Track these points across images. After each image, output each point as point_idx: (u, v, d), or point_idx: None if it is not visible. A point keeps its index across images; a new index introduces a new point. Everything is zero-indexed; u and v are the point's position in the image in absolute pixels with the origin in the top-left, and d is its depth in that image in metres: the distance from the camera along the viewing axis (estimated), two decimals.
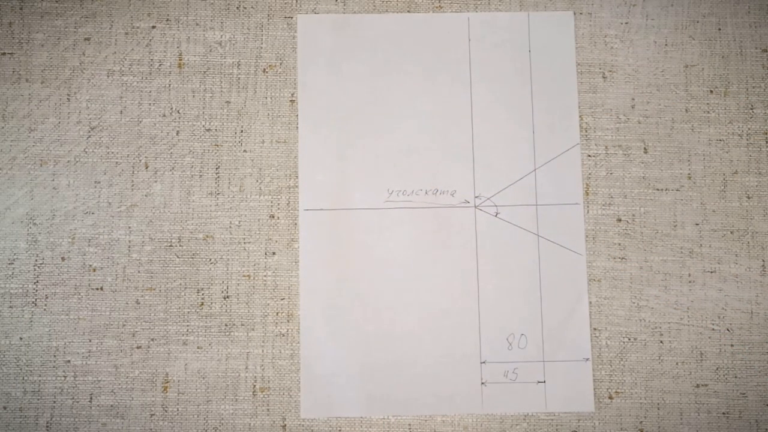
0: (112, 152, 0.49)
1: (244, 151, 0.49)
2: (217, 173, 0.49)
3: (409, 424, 0.47)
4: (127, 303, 0.47)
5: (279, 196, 0.49)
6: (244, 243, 0.48)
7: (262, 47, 0.50)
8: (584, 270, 0.48)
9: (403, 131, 0.49)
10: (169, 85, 0.49)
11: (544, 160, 0.49)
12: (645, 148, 0.49)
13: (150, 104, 0.49)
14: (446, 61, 0.50)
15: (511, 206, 0.49)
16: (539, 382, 0.47)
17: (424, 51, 0.50)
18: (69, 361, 0.47)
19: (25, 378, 0.47)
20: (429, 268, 0.48)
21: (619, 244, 0.48)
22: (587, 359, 0.47)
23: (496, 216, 0.48)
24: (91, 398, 0.47)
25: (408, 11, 0.50)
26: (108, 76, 0.49)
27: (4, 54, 0.49)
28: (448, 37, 0.50)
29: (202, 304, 0.48)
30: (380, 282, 0.48)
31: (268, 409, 0.47)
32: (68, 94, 0.49)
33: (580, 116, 0.49)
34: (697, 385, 0.47)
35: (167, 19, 0.50)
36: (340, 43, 0.50)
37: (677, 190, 0.49)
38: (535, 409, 0.47)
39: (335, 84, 0.49)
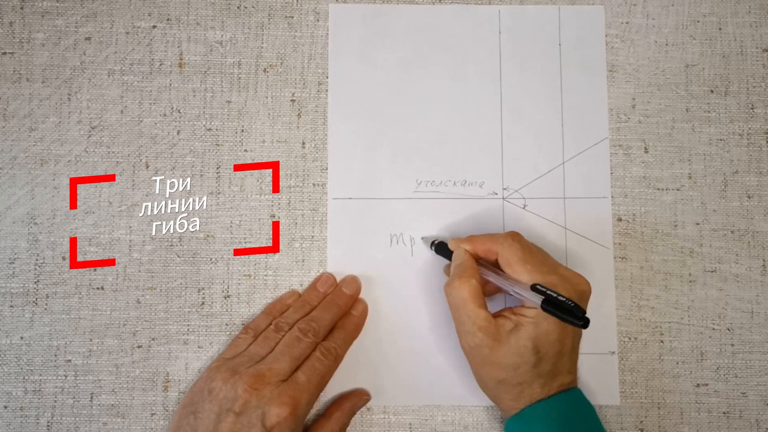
0: (113, 152, 0.49)
1: (245, 150, 0.49)
2: (217, 173, 0.49)
3: (410, 424, 0.47)
4: (127, 302, 0.47)
5: (280, 196, 0.49)
6: (245, 243, 0.48)
7: (262, 47, 0.50)
8: (611, 263, 0.48)
9: (432, 122, 0.49)
10: (170, 84, 0.49)
11: (572, 154, 0.49)
12: (645, 148, 0.49)
13: (151, 104, 0.49)
14: (476, 54, 0.50)
15: (539, 199, 0.49)
16: None
17: (454, 43, 0.50)
18: (70, 360, 0.47)
19: (26, 377, 0.47)
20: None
21: (620, 244, 0.49)
22: (613, 353, 0.47)
23: (523, 208, 0.48)
24: (91, 398, 0.47)
25: (434, 3, 0.50)
26: (109, 76, 0.49)
27: (5, 53, 0.49)
28: (479, 29, 0.50)
29: (203, 303, 0.48)
30: (405, 272, 0.48)
31: None
32: (69, 94, 0.49)
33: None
34: (698, 385, 0.47)
35: (168, 19, 0.50)
36: (371, 34, 0.50)
37: (678, 189, 0.49)
38: None
39: (365, 74, 0.50)
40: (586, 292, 0.42)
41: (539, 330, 0.40)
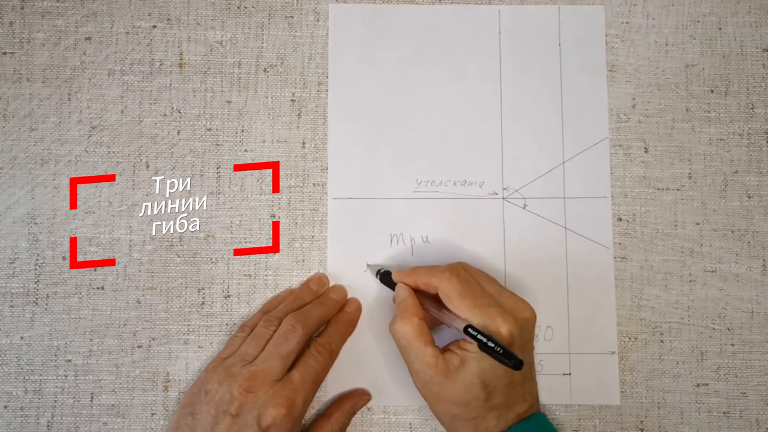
0: (113, 152, 0.49)
1: (245, 150, 0.49)
2: (218, 173, 0.49)
3: (410, 424, 0.47)
4: (128, 302, 0.47)
5: (280, 196, 0.49)
6: (245, 243, 0.48)
7: (262, 47, 0.50)
8: (611, 263, 0.48)
9: (432, 122, 0.49)
10: (170, 84, 0.49)
11: (572, 153, 0.49)
12: (646, 148, 0.49)
13: (151, 104, 0.49)
14: (476, 54, 0.50)
15: (539, 198, 0.49)
16: (565, 374, 0.47)
17: (454, 43, 0.50)
18: (70, 360, 0.47)
19: (26, 377, 0.47)
20: (456, 258, 0.48)
21: (620, 244, 0.49)
22: (613, 352, 0.47)
23: (524, 208, 0.48)
24: (92, 398, 0.47)
25: (434, 3, 0.50)
26: (109, 76, 0.49)
27: (5, 53, 0.49)
28: (479, 29, 0.50)
29: (203, 303, 0.48)
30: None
31: None
32: (69, 94, 0.49)
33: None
34: (698, 385, 0.47)
35: (168, 19, 0.50)
36: (371, 34, 0.50)
37: (678, 189, 0.49)
38: (560, 401, 0.47)
39: (365, 74, 0.50)
40: (529, 320, 0.42)
41: (483, 365, 0.40)
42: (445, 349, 0.42)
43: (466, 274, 0.42)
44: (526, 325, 0.41)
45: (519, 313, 0.41)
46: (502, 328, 0.39)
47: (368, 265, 0.48)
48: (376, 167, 0.49)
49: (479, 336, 0.39)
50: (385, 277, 0.46)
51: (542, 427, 0.42)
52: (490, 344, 0.38)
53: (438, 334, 0.45)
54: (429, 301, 0.43)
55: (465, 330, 0.39)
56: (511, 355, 0.37)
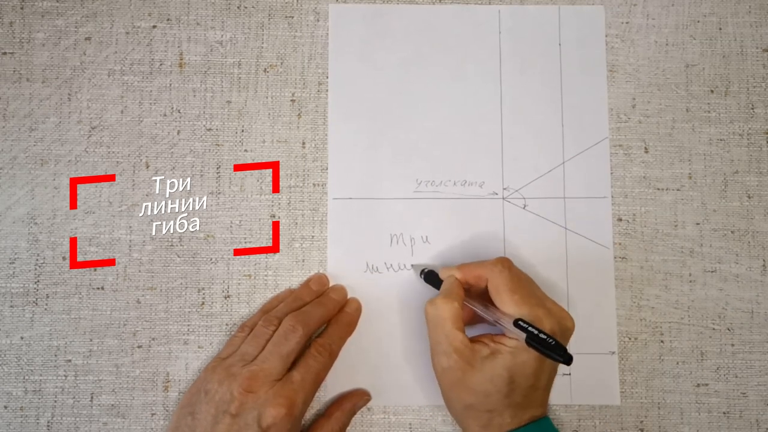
0: (113, 152, 0.49)
1: (245, 150, 0.49)
2: (218, 173, 0.49)
3: (410, 424, 0.47)
4: (128, 302, 0.47)
5: (280, 196, 0.49)
6: (245, 243, 0.48)
7: (263, 47, 0.50)
8: (611, 263, 0.48)
9: (432, 122, 0.49)
10: (170, 84, 0.49)
11: (572, 154, 0.49)
12: (646, 148, 0.49)
13: (151, 104, 0.49)
14: (476, 54, 0.50)
15: (539, 199, 0.49)
16: (565, 374, 0.47)
17: (454, 43, 0.50)
18: (70, 360, 0.47)
19: (26, 377, 0.47)
20: (455, 258, 0.48)
21: (620, 244, 0.49)
22: (613, 352, 0.47)
23: (524, 208, 0.48)
24: (92, 398, 0.47)
25: (434, 3, 0.50)
26: (109, 76, 0.49)
27: (5, 53, 0.49)
28: (479, 29, 0.50)
29: (203, 303, 0.48)
30: (406, 273, 0.48)
31: None
32: (69, 94, 0.49)
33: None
34: (698, 385, 0.47)
35: (168, 19, 0.50)
36: (371, 34, 0.50)
37: (678, 189, 0.49)
38: (560, 401, 0.47)
39: (365, 74, 0.50)
40: (569, 329, 0.42)
41: (517, 361, 0.40)
42: (474, 340, 0.42)
43: (515, 269, 0.43)
44: (566, 333, 0.42)
45: (562, 320, 0.42)
46: (546, 328, 0.40)
47: (412, 266, 0.48)
48: (376, 167, 0.49)
49: (530, 328, 0.39)
50: (430, 276, 0.45)
51: (549, 431, 0.42)
52: (542, 336, 0.38)
53: (468, 330, 0.44)
54: (474, 299, 0.43)
55: (515, 323, 0.39)
56: (562, 350, 0.37)
